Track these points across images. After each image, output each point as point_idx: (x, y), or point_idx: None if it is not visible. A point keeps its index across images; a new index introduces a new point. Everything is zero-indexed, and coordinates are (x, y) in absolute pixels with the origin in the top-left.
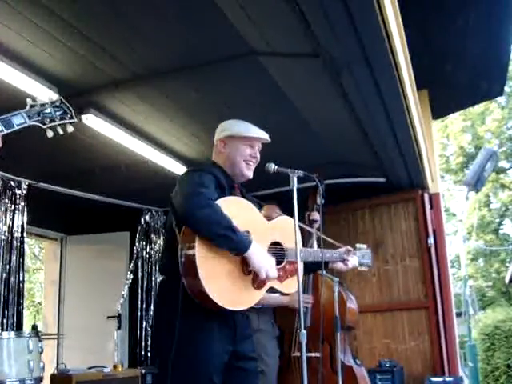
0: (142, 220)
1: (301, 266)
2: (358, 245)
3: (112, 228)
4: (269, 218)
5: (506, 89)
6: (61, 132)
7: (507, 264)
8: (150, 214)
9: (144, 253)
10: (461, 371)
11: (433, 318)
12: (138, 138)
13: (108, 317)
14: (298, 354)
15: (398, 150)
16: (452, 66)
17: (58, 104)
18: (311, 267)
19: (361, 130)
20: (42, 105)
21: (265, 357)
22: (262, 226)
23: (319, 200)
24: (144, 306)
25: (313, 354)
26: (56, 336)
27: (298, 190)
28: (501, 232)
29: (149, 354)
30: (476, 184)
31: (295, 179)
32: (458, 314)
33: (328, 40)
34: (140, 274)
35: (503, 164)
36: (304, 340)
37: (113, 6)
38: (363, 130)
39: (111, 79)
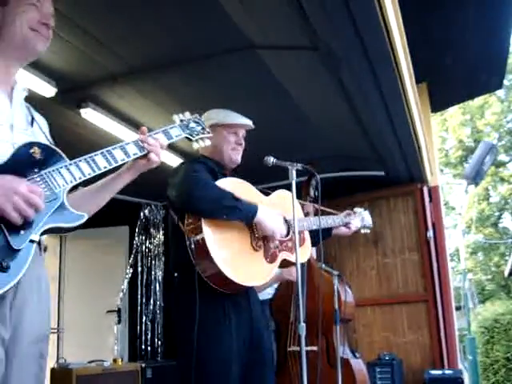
0: (142, 214)
1: (297, 254)
2: (356, 209)
3: (111, 222)
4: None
5: (505, 82)
6: (202, 144)
7: (506, 257)
8: (149, 208)
9: (143, 247)
10: (460, 364)
11: (432, 312)
12: (137, 132)
13: (108, 311)
14: (293, 348)
15: (397, 144)
16: (451, 60)
17: (196, 120)
18: (318, 236)
19: (360, 123)
20: (188, 120)
21: (261, 350)
22: (261, 201)
23: (312, 192)
24: (144, 300)
25: (309, 348)
26: (56, 330)
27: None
28: (500, 225)
29: (149, 348)
30: (475, 177)
31: (294, 172)
32: (458, 308)
33: (326, 33)
34: (139, 268)
35: (502, 157)
36: (303, 333)
37: None
38: (362, 124)
39: (109, 73)
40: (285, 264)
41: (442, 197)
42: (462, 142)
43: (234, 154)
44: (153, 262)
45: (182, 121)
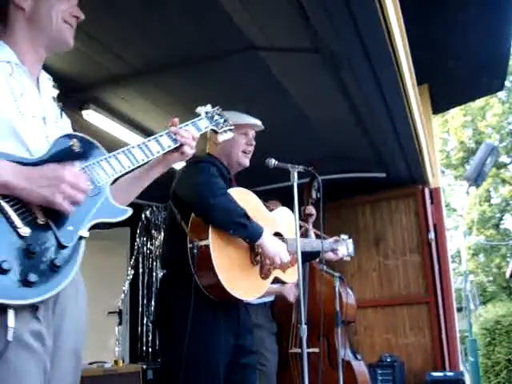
0: (143, 216)
1: (300, 258)
2: (342, 236)
3: (112, 224)
4: (270, 210)
5: (507, 83)
6: (226, 137)
7: (508, 259)
8: (150, 209)
9: (145, 248)
10: (461, 366)
11: (433, 313)
12: (139, 133)
13: (109, 312)
14: (295, 350)
15: (399, 145)
16: (452, 61)
17: (218, 112)
18: (306, 257)
19: (361, 124)
20: (212, 112)
21: (265, 352)
22: (266, 216)
23: (314, 194)
24: (145, 301)
25: (310, 350)
26: None
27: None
28: (501, 227)
29: (150, 350)
30: (476, 179)
31: (296, 174)
32: (459, 309)
33: (327, 34)
34: (141, 269)
35: (504, 159)
36: (304, 335)
37: (113, 1)
38: (363, 125)
39: (111, 75)
40: (276, 281)
41: (443, 198)
42: (464, 144)
43: (243, 157)
44: (154, 263)
45: (206, 113)
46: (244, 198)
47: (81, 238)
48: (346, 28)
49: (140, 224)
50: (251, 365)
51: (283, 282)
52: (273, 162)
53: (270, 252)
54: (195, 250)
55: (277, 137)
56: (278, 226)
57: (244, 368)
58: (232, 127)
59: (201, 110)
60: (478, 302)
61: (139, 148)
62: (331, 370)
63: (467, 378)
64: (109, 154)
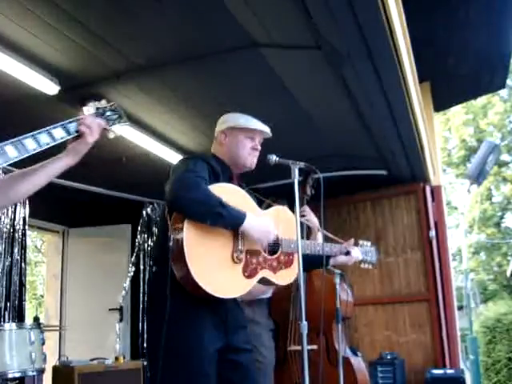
0: (144, 213)
1: (300, 257)
2: (360, 241)
3: (114, 221)
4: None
5: (509, 82)
6: (118, 134)
7: (509, 257)
8: (151, 206)
9: (145, 245)
10: (462, 364)
11: (434, 311)
12: (140, 130)
13: (110, 309)
14: (294, 347)
15: (400, 143)
16: (454, 59)
17: (113, 108)
18: (310, 263)
19: (362, 122)
20: (104, 107)
21: (261, 348)
22: (257, 215)
23: (309, 190)
24: (146, 298)
25: (309, 347)
26: (58, 328)
27: (291, 183)
28: (502, 225)
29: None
30: (478, 177)
31: (297, 171)
32: (460, 307)
33: (329, 31)
34: (142, 266)
35: (505, 157)
36: (305, 331)
37: None
38: (365, 123)
39: (112, 71)
40: (265, 282)
41: (444, 196)
42: (465, 142)
43: (250, 159)
44: None
45: (97, 108)
46: (228, 193)
47: None
48: (347, 25)
49: (141, 221)
50: (247, 362)
51: (273, 284)
52: (274, 158)
53: (255, 237)
54: (171, 243)
55: (278, 134)
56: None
57: (241, 366)
58: (127, 123)
59: (92, 105)
60: (478, 300)
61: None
62: (330, 366)
63: (467, 376)
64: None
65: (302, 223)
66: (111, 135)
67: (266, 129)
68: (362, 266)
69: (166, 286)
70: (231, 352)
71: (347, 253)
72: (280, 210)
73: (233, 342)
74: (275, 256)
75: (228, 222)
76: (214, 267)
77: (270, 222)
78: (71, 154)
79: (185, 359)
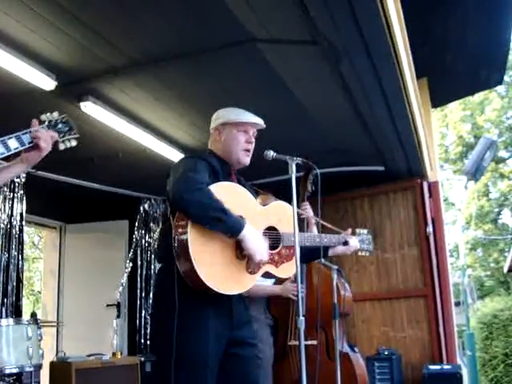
0: (141, 208)
1: (298, 251)
2: (357, 230)
3: (111, 216)
4: (264, 204)
5: (506, 78)
6: (68, 145)
7: (506, 253)
8: (148, 202)
9: (143, 241)
10: (459, 360)
11: (431, 307)
12: (137, 125)
13: (107, 305)
14: (293, 342)
15: (397, 139)
16: (452, 55)
17: (64, 120)
18: (310, 254)
19: (360, 118)
20: (56, 120)
21: (259, 344)
22: (255, 211)
23: (309, 187)
24: (143, 294)
25: (309, 342)
26: (55, 323)
27: (290, 179)
28: (499, 222)
29: (148, 342)
30: (475, 173)
31: (294, 166)
32: (457, 303)
33: (327, 27)
34: (139, 262)
35: (502, 154)
36: (302, 326)
37: None
38: (362, 118)
39: (110, 67)
40: (267, 276)
41: (441, 192)
42: (462, 138)
43: (243, 155)
44: (152, 256)
45: (50, 121)
46: (229, 192)
47: None
48: (345, 20)
49: (138, 217)
50: (247, 357)
51: (275, 277)
52: (271, 153)
53: (249, 248)
54: (175, 244)
55: (275, 129)
56: (273, 220)
57: (244, 360)
58: (77, 136)
59: (44, 117)
60: (475, 296)
61: None
62: (329, 362)
63: (464, 372)
64: None
65: (301, 217)
66: (62, 147)
67: (259, 120)
68: (360, 253)
69: (172, 283)
70: (236, 345)
71: (345, 243)
72: (280, 206)
73: (238, 336)
74: (276, 250)
75: (227, 228)
76: (218, 265)
77: (266, 243)
78: (24, 163)
79: (191, 352)
